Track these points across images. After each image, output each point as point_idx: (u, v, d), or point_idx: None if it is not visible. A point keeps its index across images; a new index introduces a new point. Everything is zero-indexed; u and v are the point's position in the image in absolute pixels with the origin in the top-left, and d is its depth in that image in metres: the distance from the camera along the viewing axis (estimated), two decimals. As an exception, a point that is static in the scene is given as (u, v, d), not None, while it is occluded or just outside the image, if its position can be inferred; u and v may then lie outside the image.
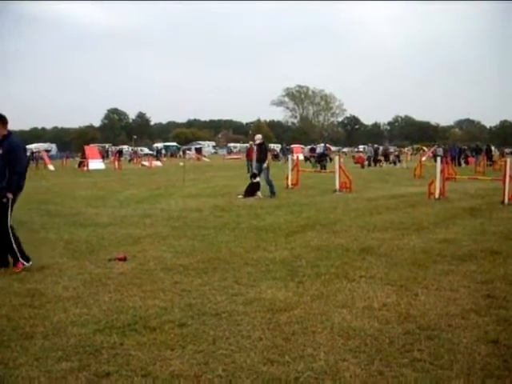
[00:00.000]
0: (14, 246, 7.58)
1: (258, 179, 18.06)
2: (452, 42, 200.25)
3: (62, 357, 4.48)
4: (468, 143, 71.42)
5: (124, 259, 8.11)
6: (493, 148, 49.42)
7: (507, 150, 67.87)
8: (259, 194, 17.77)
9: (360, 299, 6.08)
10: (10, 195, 7.49)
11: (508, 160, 16.63)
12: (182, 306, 5.86)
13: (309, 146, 60.99)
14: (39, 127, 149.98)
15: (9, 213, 7.55)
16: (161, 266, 7.78)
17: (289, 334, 4.98)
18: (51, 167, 44.65)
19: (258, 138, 19.19)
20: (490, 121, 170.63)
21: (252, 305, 5.87)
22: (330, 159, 38.14)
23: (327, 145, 62.76)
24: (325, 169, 31.62)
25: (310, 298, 6.14)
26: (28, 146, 48.23)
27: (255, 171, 18.46)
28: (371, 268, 7.56)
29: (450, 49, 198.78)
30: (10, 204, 7.53)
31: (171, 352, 4.59)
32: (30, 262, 7.68)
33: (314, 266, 7.65)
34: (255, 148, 19.87)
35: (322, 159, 35.69)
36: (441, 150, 43.62)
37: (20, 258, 7.61)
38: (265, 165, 18.34)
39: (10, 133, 7.69)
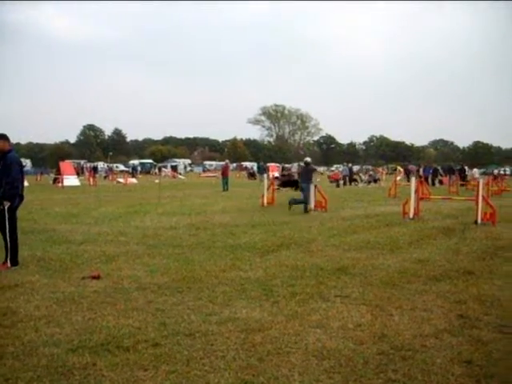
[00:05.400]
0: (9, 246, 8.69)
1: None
2: (426, 63, 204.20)
3: (32, 378, 4.39)
4: (442, 163, 72.48)
5: (98, 277, 8.02)
6: (466, 168, 50.09)
7: (480, 171, 68.78)
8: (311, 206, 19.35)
9: (335, 319, 6.09)
10: (6, 203, 8.57)
11: (481, 180, 16.91)
12: (156, 325, 5.80)
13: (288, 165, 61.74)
14: (13, 142, 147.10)
15: (7, 218, 8.61)
16: (135, 284, 7.70)
17: (263, 355, 4.95)
18: (25, 183, 43.84)
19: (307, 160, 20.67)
20: (463, 141, 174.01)
21: (226, 325, 5.84)
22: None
23: (300, 164, 63.16)
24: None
25: (284, 317, 6.13)
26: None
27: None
28: (346, 288, 7.59)
29: (424, 70, 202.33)
30: (6, 210, 8.60)
31: (144, 373, 4.53)
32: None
33: (289, 286, 7.65)
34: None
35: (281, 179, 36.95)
36: (421, 169, 44.54)
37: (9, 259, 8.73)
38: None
39: (10, 150, 8.74)
